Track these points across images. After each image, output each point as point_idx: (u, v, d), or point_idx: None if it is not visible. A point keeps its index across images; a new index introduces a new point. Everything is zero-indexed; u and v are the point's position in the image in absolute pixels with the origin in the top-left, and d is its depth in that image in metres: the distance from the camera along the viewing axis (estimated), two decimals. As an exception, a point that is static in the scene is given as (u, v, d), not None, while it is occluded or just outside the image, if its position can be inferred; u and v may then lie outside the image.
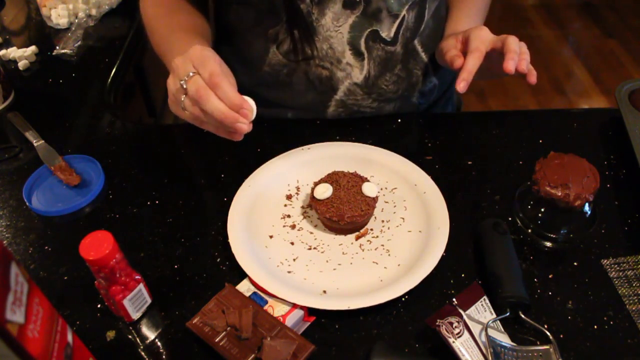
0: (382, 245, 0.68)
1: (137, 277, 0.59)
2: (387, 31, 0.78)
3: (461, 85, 0.67)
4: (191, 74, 0.61)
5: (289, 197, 0.73)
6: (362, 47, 0.79)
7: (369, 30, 0.78)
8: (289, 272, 0.65)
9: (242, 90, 0.90)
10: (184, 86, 0.61)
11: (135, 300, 0.60)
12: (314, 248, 0.67)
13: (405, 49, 0.81)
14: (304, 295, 0.61)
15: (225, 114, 0.60)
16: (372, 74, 0.82)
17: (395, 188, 0.74)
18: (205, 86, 0.60)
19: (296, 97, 0.85)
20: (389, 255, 0.66)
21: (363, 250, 0.67)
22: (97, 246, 0.54)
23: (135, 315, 0.61)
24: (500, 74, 0.69)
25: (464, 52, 0.72)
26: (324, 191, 0.68)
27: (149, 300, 0.62)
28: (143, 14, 0.85)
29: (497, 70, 0.70)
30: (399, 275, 0.63)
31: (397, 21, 0.78)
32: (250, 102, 0.63)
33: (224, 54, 0.88)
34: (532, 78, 0.68)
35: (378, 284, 0.63)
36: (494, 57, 0.70)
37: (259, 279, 0.62)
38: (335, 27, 0.77)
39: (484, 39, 0.71)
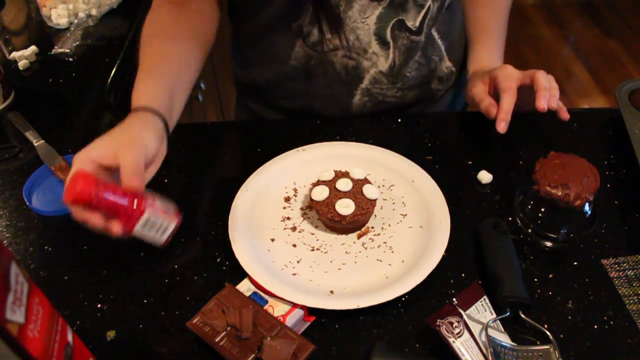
0: (385, 242, 0.68)
1: (146, 201, 0.57)
2: (412, 20, 0.79)
3: (501, 126, 0.71)
4: None
5: (287, 199, 0.73)
6: (388, 37, 0.80)
7: (395, 19, 0.78)
8: (293, 274, 0.64)
9: (268, 83, 0.90)
10: None
11: (150, 226, 0.58)
12: (317, 249, 0.67)
13: (426, 38, 0.83)
14: (312, 296, 0.61)
15: None
16: (397, 62, 0.83)
17: (393, 185, 0.74)
18: None
19: (322, 88, 0.86)
20: (392, 252, 0.66)
21: (366, 248, 0.67)
22: (73, 187, 0.54)
23: (162, 239, 0.59)
24: (530, 110, 0.71)
25: (494, 94, 0.75)
26: (321, 192, 0.68)
27: (174, 221, 0.60)
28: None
29: (526, 106, 0.73)
30: (404, 272, 0.63)
31: (423, 11, 0.79)
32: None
33: (248, 54, 0.89)
34: (564, 114, 0.73)
35: (384, 281, 0.63)
36: (522, 92, 0.73)
37: (266, 283, 0.61)
38: (362, 19, 0.77)
39: (512, 77, 0.73)
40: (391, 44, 0.81)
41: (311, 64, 0.83)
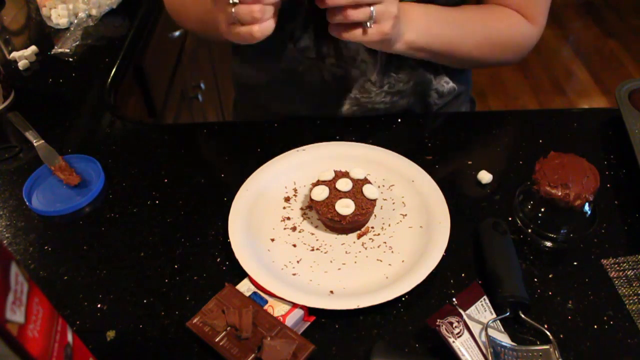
0: (385, 242, 0.68)
1: None
2: None
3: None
4: None
5: (287, 199, 0.73)
6: None
7: None
8: (293, 274, 0.64)
9: (260, 83, 0.90)
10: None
11: None
12: (317, 249, 0.67)
13: None
14: (312, 296, 0.61)
15: None
16: (384, 64, 0.82)
17: (393, 185, 0.74)
18: None
19: (311, 95, 0.85)
20: (392, 252, 0.66)
21: (366, 248, 0.67)
22: None
23: None
24: None
25: None
26: (321, 192, 0.68)
27: None
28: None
29: None
30: (404, 272, 0.63)
31: None
32: None
33: (242, 48, 0.89)
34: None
35: (384, 281, 0.63)
36: None
37: (266, 283, 0.61)
38: None
39: None
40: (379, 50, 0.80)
41: (300, 69, 0.83)
